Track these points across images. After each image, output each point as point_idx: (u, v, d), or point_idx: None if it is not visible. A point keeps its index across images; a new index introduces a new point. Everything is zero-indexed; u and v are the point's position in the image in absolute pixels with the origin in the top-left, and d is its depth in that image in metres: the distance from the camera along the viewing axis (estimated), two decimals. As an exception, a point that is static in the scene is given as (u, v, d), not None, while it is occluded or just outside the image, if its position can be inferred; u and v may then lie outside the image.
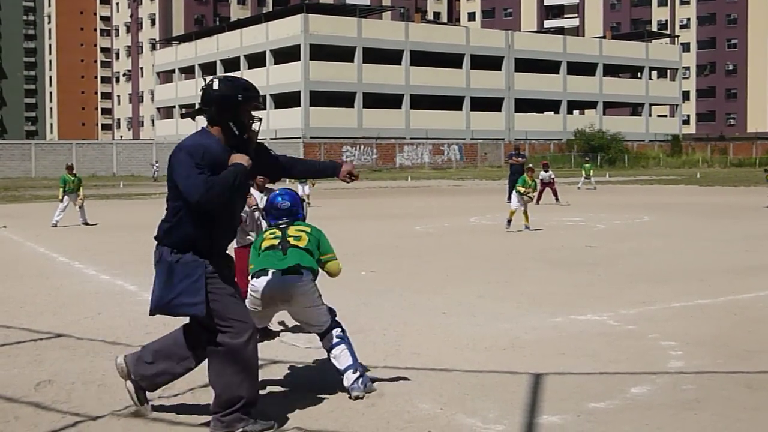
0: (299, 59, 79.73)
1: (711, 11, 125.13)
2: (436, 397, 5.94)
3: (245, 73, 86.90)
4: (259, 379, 5.44)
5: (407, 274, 12.40)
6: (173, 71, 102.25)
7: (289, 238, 6.03)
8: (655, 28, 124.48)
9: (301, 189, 26.53)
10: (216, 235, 5.19)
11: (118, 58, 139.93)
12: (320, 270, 6.17)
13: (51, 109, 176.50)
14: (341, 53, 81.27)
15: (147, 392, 5.47)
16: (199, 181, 4.95)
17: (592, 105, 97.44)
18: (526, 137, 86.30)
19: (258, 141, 5.44)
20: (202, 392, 5.90)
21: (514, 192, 19.56)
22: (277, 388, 6.20)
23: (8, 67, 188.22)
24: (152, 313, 5.18)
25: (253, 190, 8.52)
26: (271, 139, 75.68)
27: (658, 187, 43.23)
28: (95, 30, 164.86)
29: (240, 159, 5.12)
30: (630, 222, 21.38)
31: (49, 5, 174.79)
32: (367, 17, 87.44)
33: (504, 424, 5.32)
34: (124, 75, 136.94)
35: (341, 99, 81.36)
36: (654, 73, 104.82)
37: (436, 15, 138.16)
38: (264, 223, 7.33)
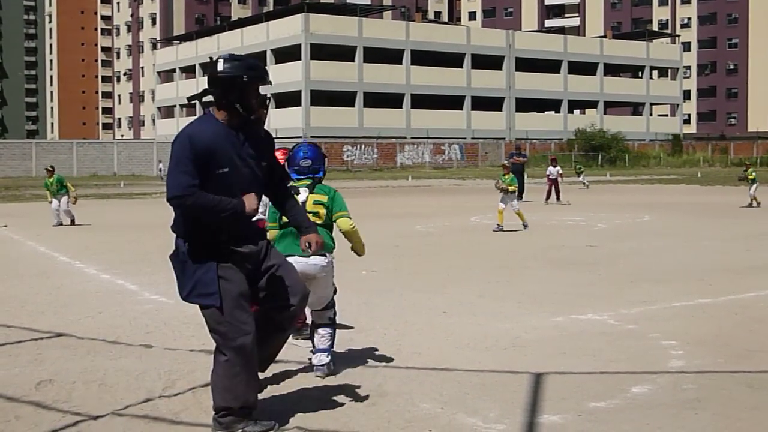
0: (300, 59, 79.75)
1: (712, 11, 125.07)
2: (437, 396, 5.94)
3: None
4: (260, 379, 5.44)
5: (408, 274, 12.40)
6: (174, 71, 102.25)
7: (309, 214, 6.15)
8: (656, 27, 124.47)
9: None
10: (223, 227, 5.01)
11: (119, 57, 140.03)
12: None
13: (52, 108, 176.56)
14: (342, 52, 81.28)
15: None
16: (182, 181, 4.87)
17: (592, 104, 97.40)
18: (526, 136, 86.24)
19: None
20: (204, 391, 5.90)
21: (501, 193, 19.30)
22: (278, 388, 6.19)
23: (9, 67, 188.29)
24: (185, 300, 5.10)
25: None
26: (275, 138, 75.55)
27: (659, 186, 43.24)
28: (96, 29, 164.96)
29: (249, 202, 4.98)
30: (631, 221, 21.38)
31: (50, 4, 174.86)
32: (368, 17, 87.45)
33: (505, 424, 5.32)
34: (125, 74, 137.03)
35: (342, 98, 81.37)
36: (655, 73, 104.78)
37: (437, 14, 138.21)
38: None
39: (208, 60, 5.21)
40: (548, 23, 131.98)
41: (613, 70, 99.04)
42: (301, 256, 6.19)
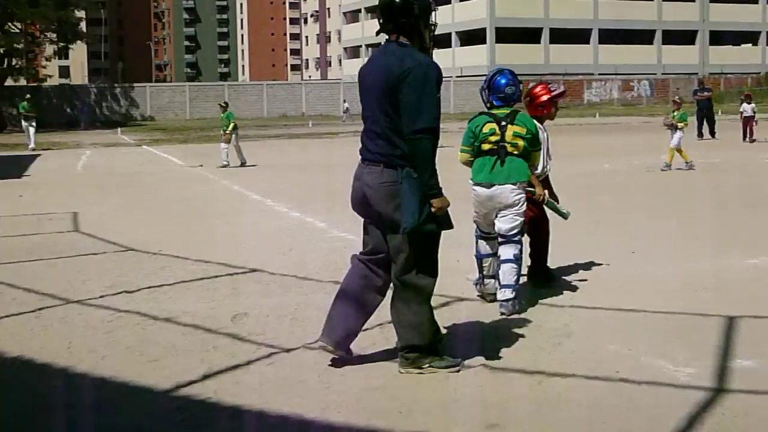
0: (484, -4, 78.82)
1: None
2: (625, 338, 5.84)
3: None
4: (446, 316, 5.48)
5: (596, 213, 12.17)
6: (359, 11, 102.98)
7: (506, 144, 6.53)
8: None
9: None
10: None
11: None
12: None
13: (242, 51, 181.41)
14: (528, -13, 79.81)
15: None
16: (436, 113, 4.93)
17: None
18: (721, 71, 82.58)
19: None
20: (391, 327, 6.00)
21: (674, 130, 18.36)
22: (463, 326, 6.23)
23: (202, 12, 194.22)
24: (404, 231, 4.92)
25: None
26: (457, 76, 75.43)
27: None
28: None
29: (442, 203, 4.97)
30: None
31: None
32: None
33: (695, 367, 5.18)
34: (311, 16, 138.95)
35: (528, 35, 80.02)
36: None
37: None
38: None
39: None
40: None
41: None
42: (500, 184, 6.49)
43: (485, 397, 4.84)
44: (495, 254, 6.79)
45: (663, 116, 19.81)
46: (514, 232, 6.59)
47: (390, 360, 5.35)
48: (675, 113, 18.39)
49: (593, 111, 61.85)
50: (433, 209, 4.92)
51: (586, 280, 7.66)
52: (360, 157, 5.16)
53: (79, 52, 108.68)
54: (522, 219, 6.64)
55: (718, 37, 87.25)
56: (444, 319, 6.20)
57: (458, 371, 5.18)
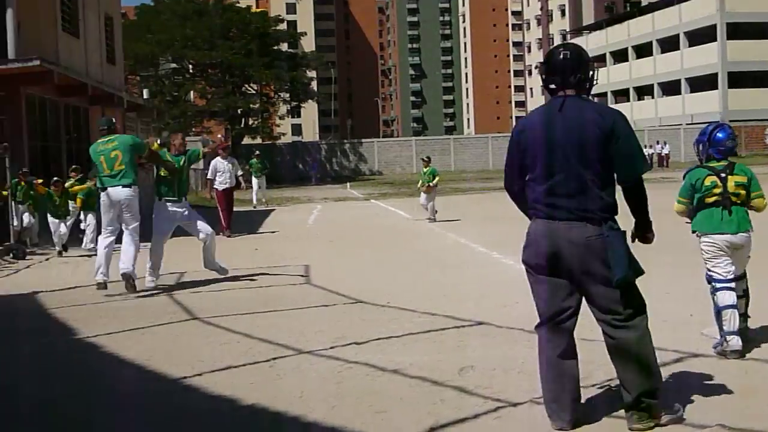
0: (715, 39, 76.39)
1: None
2: None
3: (658, 58, 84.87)
4: (680, 372, 5.24)
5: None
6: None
7: (730, 195, 6.74)
8: None
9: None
10: None
11: (529, 51, 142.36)
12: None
13: (467, 104, 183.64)
14: (762, 30, 76.72)
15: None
16: None
17: None
18: None
19: None
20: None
21: None
22: (699, 383, 5.94)
23: (427, 68, 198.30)
24: (618, 283, 4.94)
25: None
26: (687, 124, 73.29)
27: None
28: (507, 25, 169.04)
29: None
30: None
31: (463, 5, 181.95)
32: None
33: None
34: (536, 67, 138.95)
35: (763, 79, 76.79)
36: None
37: None
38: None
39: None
40: None
41: None
42: (732, 233, 6.72)
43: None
44: (735, 306, 6.67)
45: None
46: (742, 272, 6.94)
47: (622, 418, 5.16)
48: None
49: (837, 156, 58.38)
50: (647, 243, 5.29)
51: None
52: (541, 215, 5.07)
53: (310, 110, 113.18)
54: (747, 260, 6.97)
55: None
56: (679, 375, 5.95)
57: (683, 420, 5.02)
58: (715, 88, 76.44)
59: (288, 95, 69.85)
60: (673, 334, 7.32)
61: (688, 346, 6.87)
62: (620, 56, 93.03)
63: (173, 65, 67.43)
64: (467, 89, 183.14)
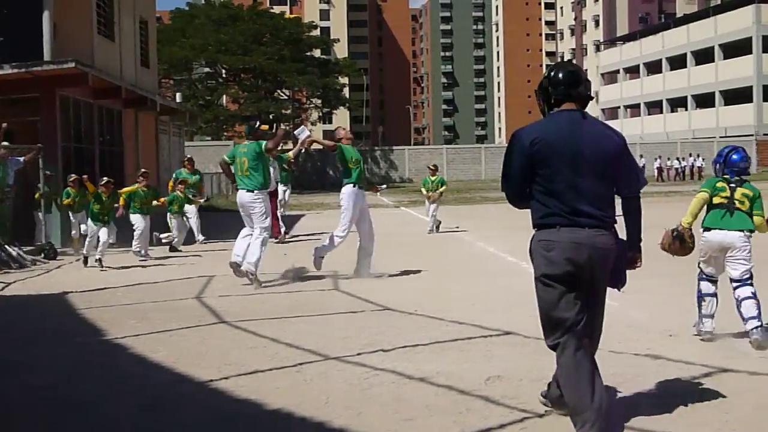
0: (750, 52, 75.88)
1: None
2: None
3: (692, 70, 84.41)
4: (707, 387, 5.20)
5: None
6: (617, 71, 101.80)
7: (735, 201, 7.66)
8: None
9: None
10: None
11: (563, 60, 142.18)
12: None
13: (499, 113, 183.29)
14: (799, 43, 76.18)
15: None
16: None
17: None
18: None
19: None
20: (649, 397, 5.80)
21: None
22: (724, 398, 5.89)
23: (460, 76, 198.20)
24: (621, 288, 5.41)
25: None
26: (721, 137, 72.73)
27: None
28: (540, 35, 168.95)
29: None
30: None
31: (497, 14, 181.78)
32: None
33: None
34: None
35: (798, 92, 76.21)
36: None
37: None
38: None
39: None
40: None
41: None
42: (729, 230, 7.62)
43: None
44: (714, 295, 7.81)
45: None
46: (746, 276, 7.57)
47: None
48: None
49: None
50: (639, 264, 5.40)
51: None
52: (567, 222, 5.09)
53: (342, 116, 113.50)
54: (751, 264, 7.63)
55: None
56: (709, 390, 5.95)
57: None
58: (750, 101, 75.95)
59: (320, 101, 70.11)
60: (702, 349, 7.28)
61: (718, 362, 6.82)
62: (654, 68, 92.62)
63: (206, 69, 67.90)
64: (499, 98, 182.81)
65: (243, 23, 64.38)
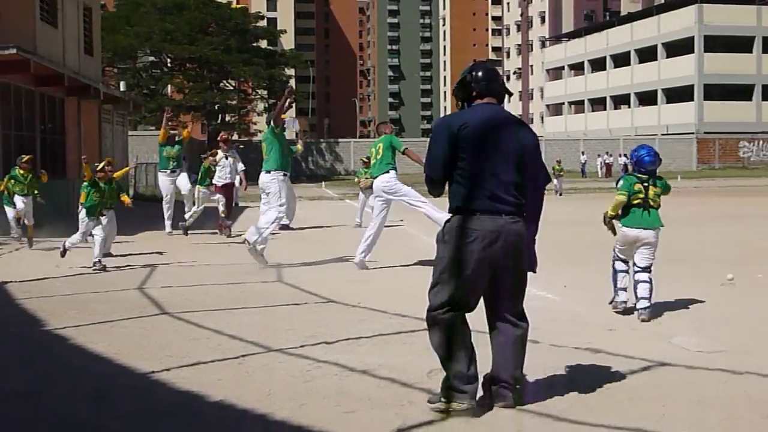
0: (692, 51, 76.99)
1: None
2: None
3: (635, 68, 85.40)
4: (651, 382, 5.26)
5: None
6: (562, 68, 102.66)
7: (650, 200, 8.80)
8: None
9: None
10: None
11: (508, 56, 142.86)
12: None
13: (445, 107, 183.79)
14: (738, 43, 77.41)
15: None
16: None
17: None
18: None
19: None
20: (587, 390, 5.87)
21: None
22: (662, 392, 5.98)
23: (406, 69, 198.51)
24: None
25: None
26: (663, 134, 73.74)
27: None
28: (487, 30, 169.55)
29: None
30: None
31: (444, 8, 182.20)
32: (767, 4, 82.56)
33: None
34: (514, 73, 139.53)
35: (738, 92, 77.48)
36: None
37: None
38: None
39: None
40: None
41: None
42: (644, 229, 8.77)
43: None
44: (626, 272, 9.02)
45: None
46: (649, 266, 8.79)
47: (586, 424, 5.18)
48: None
49: (809, 171, 58.95)
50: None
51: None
52: (486, 210, 5.42)
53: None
54: (654, 258, 8.86)
55: None
56: (648, 383, 6.03)
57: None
58: (691, 99, 77.04)
59: (266, 92, 69.76)
60: (642, 343, 7.38)
61: (657, 355, 6.91)
62: (598, 65, 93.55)
63: (151, 58, 67.27)
64: (445, 92, 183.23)
65: (189, 12, 63.82)
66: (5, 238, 17.59)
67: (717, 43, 76.99)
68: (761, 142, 72.56)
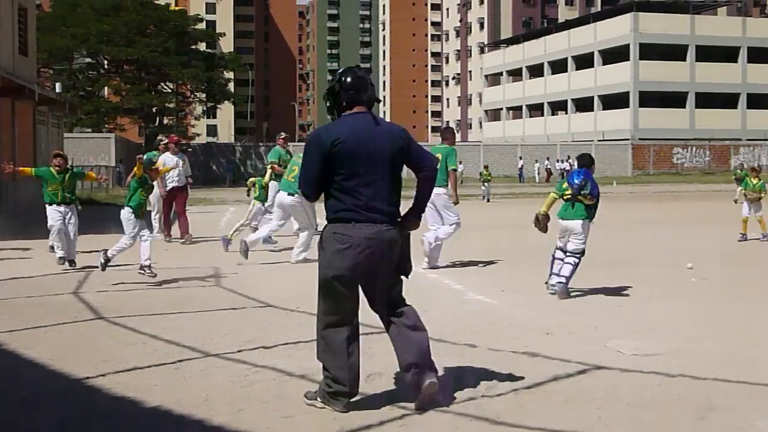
0: (628, 59, 78.13)
1: None
2: (773, 414, 5.57)
3: (572, 75, 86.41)
4: (586, 384, 5.31)
5: (741, 282, 11.78)
6: (501, 74, 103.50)
7: (577, 197, 10.28)
8: None
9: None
10: None
11: (447, 62, 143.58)
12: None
13: (384, 112, 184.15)
14: (672, 52, 78.75)
15: None
16: None
17: None
18: None
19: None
20: (526, 393, 5.93)
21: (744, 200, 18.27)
22: (598, 395, 6.05)
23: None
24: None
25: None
26: (599, 140, 74.68)
27: None
28: (426, 35, 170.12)
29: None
30: None
31: (384, 13, 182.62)
32: (701, 13, 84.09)
33: None
34: (453, 78, 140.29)
35: (672, 99, 78.81)
36: None
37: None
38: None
39: None
40: None
41: None
42: (571, 219, 10.30)
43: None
44: (562, 260, 10.33)
45: None
46: (576, 251, 10.26)
47: (525, 428, 5.22)
48: (754, 182, 18.08)
49: (740, 177, 59.98)
50: (416, 227, 5.89)
51: (734, 351, 7.37)
52: (362, 219, 5.51)
53: (226, 111, 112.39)
54: (584, 245, 10.34)
55: None
56: (584, 387, 6.08)
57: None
58: (627, 106, 78.18)
59: (204, 95, 69.30)
60: (578, 347, 7.46)
61: (594, 358, 6.99)
62: (536, 71, 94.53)
63: (88, 60, 66.42)
64: (384, 97, 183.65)
65: (127, 13, 63.17)
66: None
67: (652, 51, 78.24)
68: (694, 148, 73.88)
